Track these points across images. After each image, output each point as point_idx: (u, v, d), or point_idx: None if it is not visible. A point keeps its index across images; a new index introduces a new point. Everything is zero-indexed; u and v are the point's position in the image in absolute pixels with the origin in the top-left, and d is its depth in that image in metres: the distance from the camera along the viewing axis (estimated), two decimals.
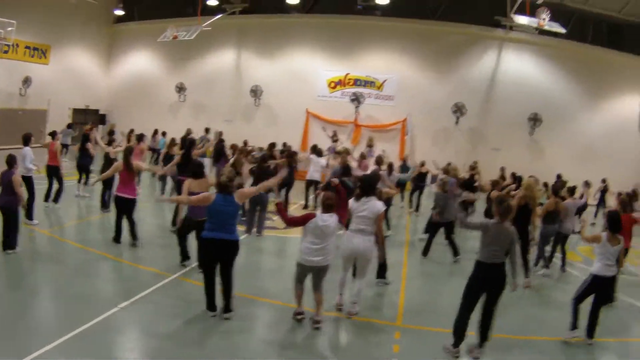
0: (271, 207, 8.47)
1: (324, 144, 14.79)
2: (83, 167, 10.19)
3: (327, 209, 4.68)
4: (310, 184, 10.72)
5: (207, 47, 19.45)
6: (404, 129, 17.30)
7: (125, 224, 7.07)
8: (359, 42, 17.97)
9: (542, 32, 15.36)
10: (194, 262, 6.29)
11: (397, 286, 6.32)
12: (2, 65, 17.12)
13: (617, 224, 5.08)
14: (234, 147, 11.22)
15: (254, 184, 7.82)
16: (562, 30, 14.49)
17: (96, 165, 10.55)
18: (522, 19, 14.54)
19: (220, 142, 12.00)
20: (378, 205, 5.09)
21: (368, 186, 5.19)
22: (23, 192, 6.42)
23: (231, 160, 9.09)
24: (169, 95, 20.40)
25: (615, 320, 5.86)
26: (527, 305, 6.16)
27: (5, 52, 17.08)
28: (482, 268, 4.40)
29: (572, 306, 5.14)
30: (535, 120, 17.20)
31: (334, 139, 15.51)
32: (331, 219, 4.69)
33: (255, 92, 18.84)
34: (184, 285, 5.81)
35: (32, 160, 7.88)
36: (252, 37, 19.41)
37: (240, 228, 7.43)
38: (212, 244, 4.77)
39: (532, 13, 14.60)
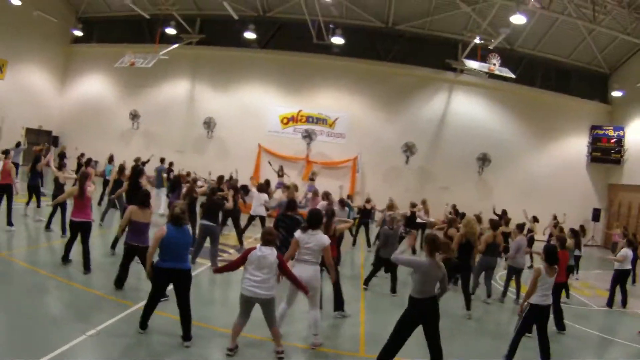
0: (224, 239, 8.79)
1: (275, 179, 14.94)
2: (33, 188, 9.89)
3: (266, 243, 4.77)
4: (253, 218, 10.75)
5: (162, 75, 19.32)
6: (354, 167, 17.48)
7: (76, 248, 7.04)
8: (313, 79, 18.20)
9: (492, 75, 15.85)
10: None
11: (356, 319, 6.44)
12: None
13: (553, 257, 5.39)
14: (182, 177, 11.13)
15: (204, 215, 7.85)
16: (512, 76, 14.98)
17: (47, 188, 10.35)
18: (473, 64, 14.96)
19: (171, 172, 12.20)
20: (324, 238, 5.32)
21: (315, 219, 5.39)
22: None
23: (184, 191, 9.14)
24: (122, 121, 20.11)
25: (570, 347, 6.30)
26: (471, 335, 6.49)
27: None
28: (416, 303, 4.61)
29: (514, 338, 5.33)
30: (484, 160, 17.68)
31: (280, 173, 15.58)
32: (270, 251, 4.75)
33: (209, 124, 18.77)
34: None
35: None
36: (208, 68, 19.42)
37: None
38: (165, 274, 4.95)
39: (483, 58, 15.07)
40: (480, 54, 15.57)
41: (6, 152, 9.29)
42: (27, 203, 10.06)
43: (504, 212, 12.98)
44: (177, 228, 4.99)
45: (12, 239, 8.47)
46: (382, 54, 18.27)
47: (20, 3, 17.46)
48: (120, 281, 6.27)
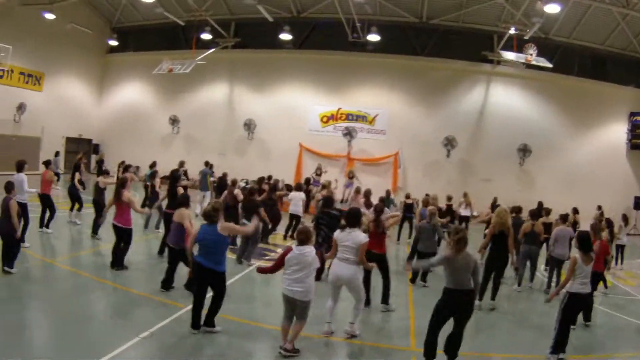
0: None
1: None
2: (74, 195, 10.23)
3: (301, 242, 4.76)
4: (293, 217, 10.96)
5: (200, 80, 19.63)
6: (396, 163, 17.56)
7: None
8: (350, 77, 18.31)
9: (528, 65, 15.74)
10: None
11: (404, 313, 6.52)
12: None
13: (587, 244, 5.32)
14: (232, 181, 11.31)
15: (244, 216, 8.12)
16: (549, 65, 14.89)
17: (88, 194, 10.62)
18: (509, 55, 14.90)
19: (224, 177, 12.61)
20: (361, 236, 5.40)
21: (353, 218, 5.47)
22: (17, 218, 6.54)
23: (226, 194, 9.48)
24: (162, 127, 20.50)
25: (611, 337, 6.22)
26: (505, 326, 6.50)
27: (0, 77, 17.13)
28: (448, 293, 4.64)
29: (558, 331, 5.20)
30: (524, 150, 17.57)
31: (318, 172, 15.74)
32: (308, 250, 4.74)
33: (249, 126, 19.03)
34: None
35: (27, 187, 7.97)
36: (245, 71, 19.66)
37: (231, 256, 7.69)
38: (200, 269, 5.08)
39: (519, 48, 15.04)
40: (516, 44, 15.54)
41: (47, 163, 9.56)
42: (71, 209, 10.37)
43: (540, 203, 12.83)
44: (210, 226, 5.10)
45: (55, 243, 8.77)
46: (418, 49, 18.31)
47: (54, 17, 17.94)
48: (167, 283, 6.42)
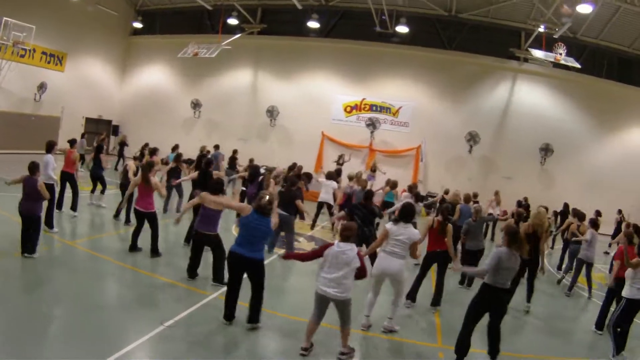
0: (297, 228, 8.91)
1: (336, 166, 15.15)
2: (98, 176, 10.13)
3: (345, 239, 4.53)
4: (322, 205, 10.98)
5: (224, 65, 19.61)
6: (418, 156, 17.50)
7: (143, 235, 7.14)
8: (375, 68, 18.22)
9: (555, 65, 15.65)
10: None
11: (427, 307, 6.46)
12: (17, 70, 17.16)
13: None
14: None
15: (280, 205, 7.87)
16: (577, 65, 14.77)
17: (112, 177, 10.54)
18: (538, 53, 14.76)
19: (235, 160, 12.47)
20: (415, 232, 5.44)
21: (408, 213, 5.47)
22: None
23: (268, 183, 9.15)
24: (183, 111, 20.51)
25: None
26: (533, 329, 6.47)
27: (22, 56, 17.16)
28: (488, 290, 4.65)
29: (613, 333, 5.31)
30: (546, 150, 17.45)
31: (340, 162, 15.68)
32: (350, 247, 4.48)
33: (272, 113, 19.00)
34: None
35: (54, 168, 7.84)
36: (269, 58, 19.61)
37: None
38: (236, 260, 4.87)
39: (548, 47, 14.92)
40: (545, 42, 15.43)
41: (72, 142, 9.32)
42: (92, 191, 10.22)
43: (566, 205, 12.76)
44: (261, 216, 4.91)
45: (78, 226, 8.62)
46: (445, 43, 18.21)
47: None
48: (192, 270, 6.26)
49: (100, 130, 20.07)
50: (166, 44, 20.72)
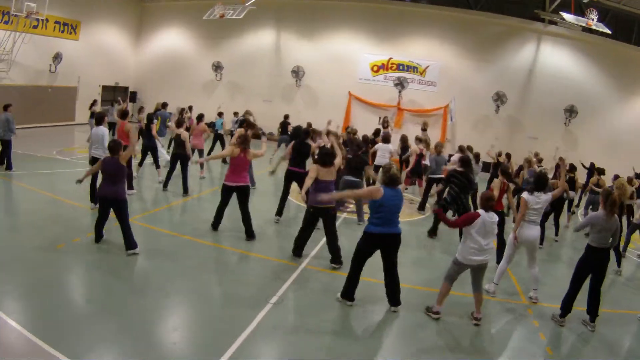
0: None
1: (366, 127, 14.86)
2: (149, 148, 9.64)
3: (488, 208, 4.72)
4: (378, 168, 10.56)
5: (245, 26, 19.25)
6: (445, 115, 17.46)
7: (229, 213, 6.86)
8: (402, 27, 18.11)
9: (584, 29, 15.64)
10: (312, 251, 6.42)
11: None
12: (31, 41, 16.56)
13: None
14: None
15: (349, 171, 7.76)
16: (608, 31, 14.79)
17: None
18: (569, 17, 14.73)
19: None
20: (549, 197, 5.74)
21: (543, 182, 5.74)
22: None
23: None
24: (204, 74, 20.18)
25: None
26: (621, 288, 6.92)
27: (35, 27, 16.60)
28: (592, 251, 4.99)
29: None
30: (571, 111, 17.55)
31: (385, 125, 15.37)
32: (496, 216, 4.80)
33: (297, 73, 18.78)
34: (316, 274, 5.77)
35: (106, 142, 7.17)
36: (293, 18, 19.33)
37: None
38: (379, 239, 4.73)
39: (575, 9, 14.94)
40: (574, 6, 15.47)
41: (124, 114, 8.28)
42: (140, 164, 9.82)
43: (593, 165, 12.76)
44: (392, 190, 4.69)
45: (139, 204, 8.12)
46: (471, 3, 18.19)
47: None
48: (299, 249, 6.15)
49: (116, 97, 19.63)
50: (184, 7, 20.38)
